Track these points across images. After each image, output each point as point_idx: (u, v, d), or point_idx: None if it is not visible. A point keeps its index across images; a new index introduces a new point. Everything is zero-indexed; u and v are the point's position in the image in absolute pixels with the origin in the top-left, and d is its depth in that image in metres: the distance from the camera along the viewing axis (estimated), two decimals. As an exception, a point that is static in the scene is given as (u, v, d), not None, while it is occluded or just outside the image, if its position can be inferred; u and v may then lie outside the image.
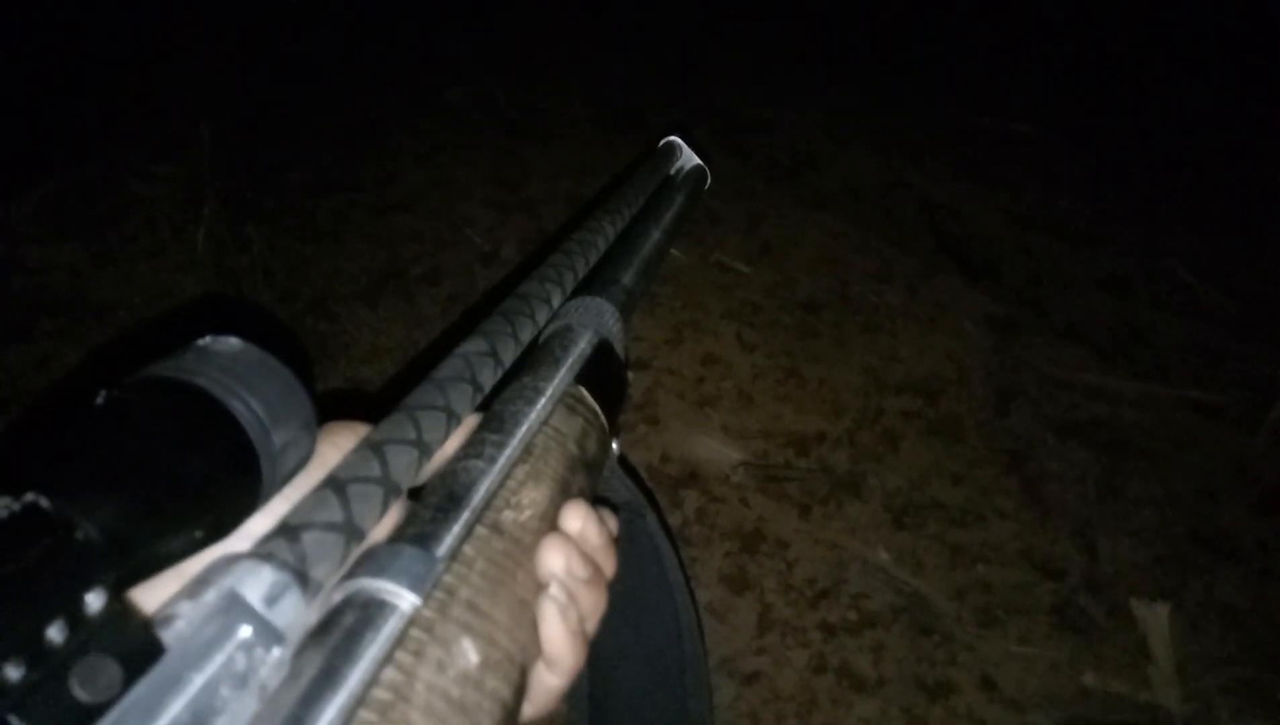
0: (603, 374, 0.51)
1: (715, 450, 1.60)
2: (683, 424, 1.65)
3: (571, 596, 0.36)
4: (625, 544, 0.62)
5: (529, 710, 0.37)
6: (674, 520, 1.49)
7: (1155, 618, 1.27)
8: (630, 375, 0.58)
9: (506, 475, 0.39)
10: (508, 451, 0.40)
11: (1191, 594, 1.36)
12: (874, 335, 1.89)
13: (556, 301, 0.52)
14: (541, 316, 0.50)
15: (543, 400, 0.44)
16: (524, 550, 0.36)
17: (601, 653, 0.61)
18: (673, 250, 2.11)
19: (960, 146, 2.61)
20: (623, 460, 0.61)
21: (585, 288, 0.58)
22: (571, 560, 0.36)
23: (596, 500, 0.56)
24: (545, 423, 0.43)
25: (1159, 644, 1.25)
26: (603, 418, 0.49)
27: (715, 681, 1.27)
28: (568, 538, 0.38)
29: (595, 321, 0.54)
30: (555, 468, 0.41)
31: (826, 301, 1.99)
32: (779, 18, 3.49)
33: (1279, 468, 1.56)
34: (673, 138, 0.89)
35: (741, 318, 1.93)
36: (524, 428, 0.42)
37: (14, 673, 0.21)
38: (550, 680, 0.37)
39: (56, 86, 2.33)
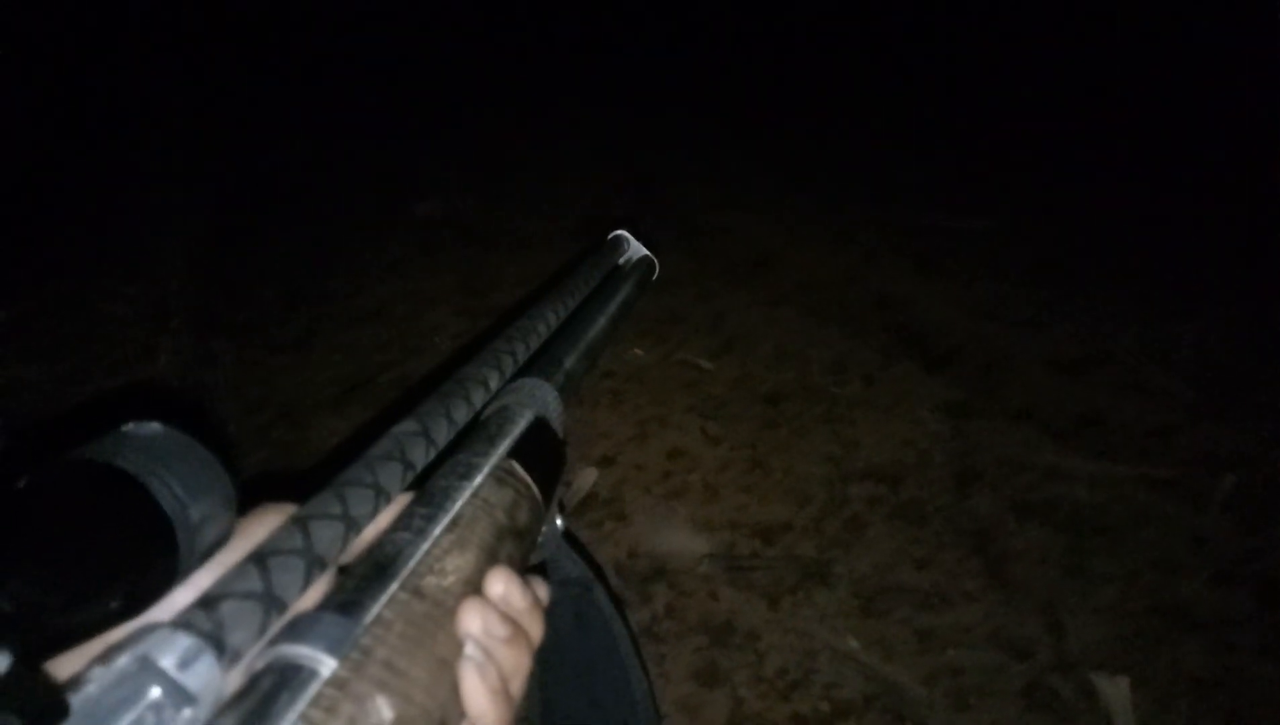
0: (538, 449, 0.53)
1: (683, 544, 1.61)
2: (650, 519, 1.66)
3: (490, 655, 0.38)
4: (575, 618, 0.63)
5: None
6: (643, 616, 1.49)
7: (1117, 691, 1.27)
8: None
9: (433, 544, 0.41)
10: (437, 524, 0.42)
11: (1158, 669, 1.36)
12: (835, 425, 1.93)
13: (494, 384, 0.55)
14: (478, 398, 0.52)
15: (476, 475, 0.46)
16: (446, 613, 0.38)
17: (555, 721, 0.62)
18: (637, 350, 2.18)
19: (911, 243, 2.71)
20: (570, 537, 0.63)
21: (527, 370, 0.62)
22: (490, 621, 0.38)
23: (542, 572, 0.58)
24: (475, 494, 0.45)
25: (1122, 718, 1.25)
26: (535, 489, 0.51)
27: (688, 780, 1.24)
28: (488, 601, 0.40)
29: (533, 401, 0.57)
30: (482, 536, 0.43)
31: (788, 394, 2.04)
32: (735, 126, 3.67)
33: (1233, 540, 1.59)
34: (620, 231, 0.94)
35: (706, 412, 1.97)
36: (454, 502, 0.44)
37: (-86, 732, 0.22)
38: None
39: (25, 208, 2.39)
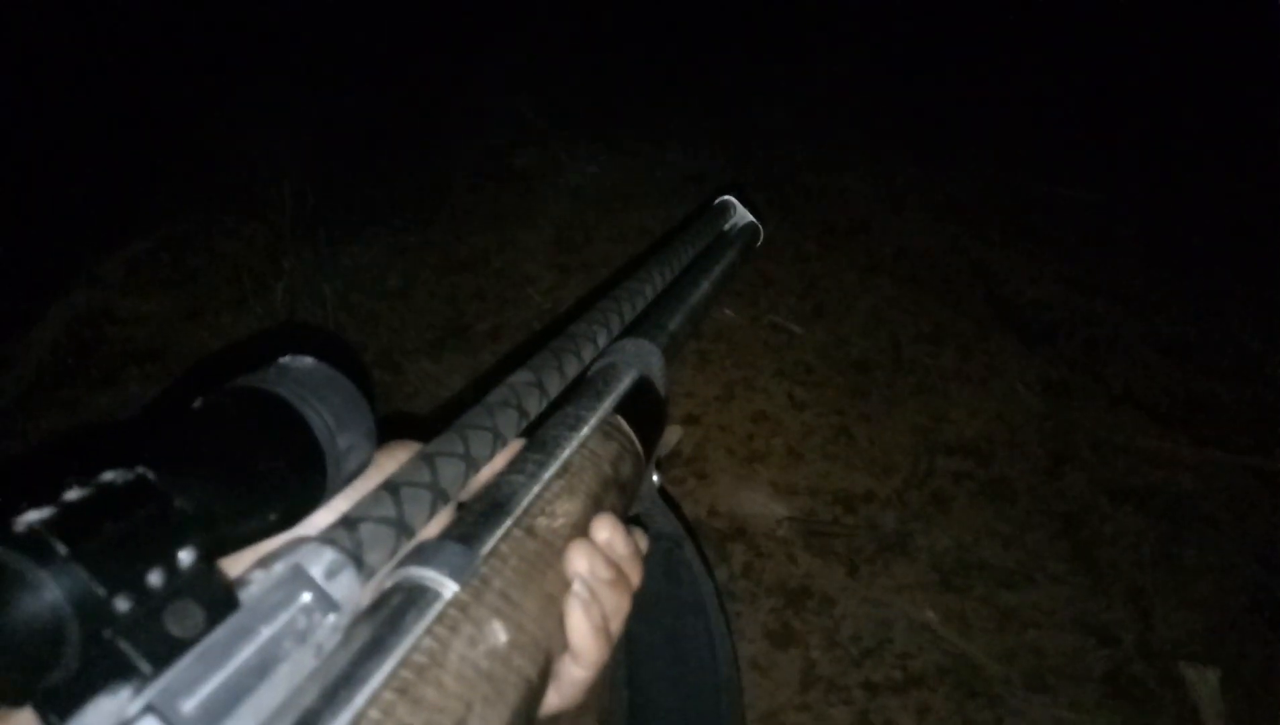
0: (641, 407, 0.55)
1: (763, 505, 1.62)
2: (731, 479, 1.68)
3: (594, 594, 0.40)
4: (663, 570, 0.66)
5: (556, 699, 0.41)
6: (720, 574, 1.51)
7: (1206, 683, 1.24)
8: (670, 411, 0.62)
9: (544, 488, 0.43)
10: (548, 469, 0.45)
11: (1250, 665, 1.32)
12: (926, 396, 1.90)
13: (602, 341, 0.57)
14: (587, 354, 0.55)
15: (584, 427, 0.49)
16: (555, 553, 0.41)
17: (640, 671, 0.65)
18: (726, 310, 2.18)
19: (1016, 212, 2.62)
20: (664, 493, 0.65)
21: (633, 330, 0.64)
22: (595, 563, 0.41)
23: (638, 525, 0.60)
24: (583, 445, 0.48)
25: (1210, 711, 1.21)
26: (638, 445, 0.53)
27: (756, 735, 1.27)
28: (595, 544, 0.42)
29: (638, 360, 0.59)
30: (589, 484, 0.46)
31: (878, 362, 2.01)
32: (836, 86, 3.58)
33: (1347, 539, 1.51)
34: (727, 197, 0.94)
35: (793, 377, 1.96)
36: (564, 449, 0.46)
37: (122, 604, 0.26)
38: (575, 671, 0.41)
39: (149, 147, 2.52)
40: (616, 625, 0.43)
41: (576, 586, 0.40)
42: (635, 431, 0.54)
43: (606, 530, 0.44)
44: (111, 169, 2.37)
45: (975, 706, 1.29)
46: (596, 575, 0.41)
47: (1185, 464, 1.68)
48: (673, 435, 1.78)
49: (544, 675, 0.38)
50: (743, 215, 0.95)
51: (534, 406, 0.47)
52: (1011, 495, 1.66)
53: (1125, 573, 1.48)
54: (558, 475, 0.45)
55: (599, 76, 3.48)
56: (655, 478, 0.63)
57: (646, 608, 0.65)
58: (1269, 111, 3.20)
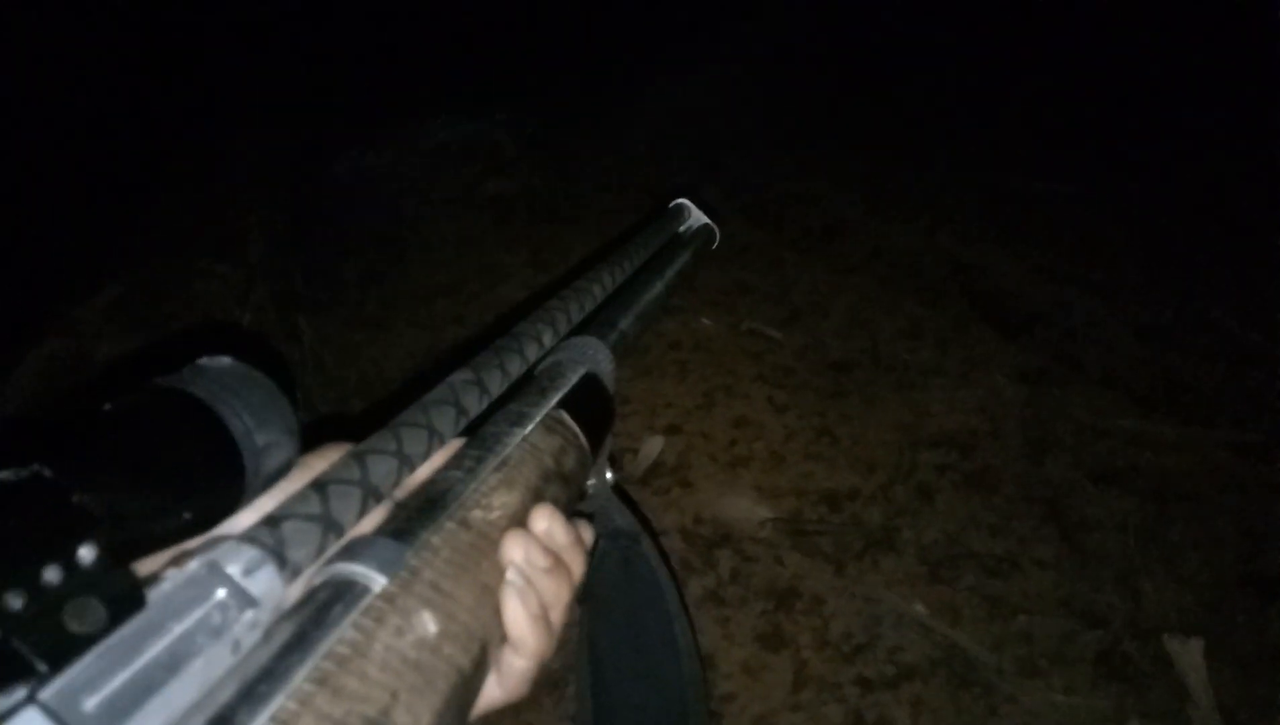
0: (588, 403, 0.55)
1: (747, 510, 1.62)
2: (715, 485, 1.68)
3: (531, 583, 0.40)
4: (623, 568, 0.65)
5: (499, 691, 0.41)
6: (708, 582, 1.50)
7: (1190, 653, 1.23)
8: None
9: (482, 483, 0.43)
10: (486, 465, 0.45)
11: (1241, 638, 1.31)
12: (906, 392, 1.90)
13: (548, 340, 0.57)
14: (531, 353, 0.55)
15: (526, 423, 0.49)
16: (490, 544, 0.41)
17: (603, 670, 0.64)
18: (704, 320, 2.19)
19: (991, 208, 2.63)
20: (621, 491, 0.65)
21: (582, 329, 0.64)
22: (531, 551, 0.41)
23: (588, 522, 0.60)
24: (524, 440, 0.48)
25: (1196, 680, 1.21)
26: (583, 439, 0.53)
27: (750, 739, 1.26)
28: (532, 534, 0.42)
29: (585, 358, 0.59)
30: (528, 477, 0.46)
31: (857, 362, 2.01)
32: (807, 92, 3.61)
33: (1330, 507, 1.51)
34: (681, 200, 0.95)
35: (773, 381, 1.96)
36: (504, 445, 0.46)
37: (15, 602, 0.26)
38: (516, 662, 0.40)
39: (122, 190, 2.53)
40: (558, 615, 0.43)
41: (510, 574, 0.40)
42: (581, 427, 0.54)
43: (545, 520, 0.44)
44: (84, 213, 2.37)
45: (969, 696, 1.29)
46: (533, 563, 0.41)
47: (1167, 444, 1.68)
48: (654, 446, 1.77)
49: (479, 665, 0.38)
50: (698, 217, 0.96)
51: (473, 404, 0.47)
52: (996, 484, 1.66)
53: (1112, 554, 1.48)
54: (496, 470, 0.45)
55: (570, 100, 3.51)
56: (609, 475, 0.63)
57: (605, 607, 0.64)
58: (1237, 100, 3.23)
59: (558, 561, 0.43)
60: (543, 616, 0.41)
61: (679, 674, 0.63)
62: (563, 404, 0.54)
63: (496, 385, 0.50)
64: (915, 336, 2.08)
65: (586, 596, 0.65)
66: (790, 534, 1.57)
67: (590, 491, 0.62)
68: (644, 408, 1.88)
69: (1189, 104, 3.21)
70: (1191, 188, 2.63)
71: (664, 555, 0.63)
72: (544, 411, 0.51)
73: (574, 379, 0.56)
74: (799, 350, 2.07)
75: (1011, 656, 1.34)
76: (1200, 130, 3.00)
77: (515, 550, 0.41)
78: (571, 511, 0.51)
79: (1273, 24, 3.18)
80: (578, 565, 0.46)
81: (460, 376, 0.48)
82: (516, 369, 0.53)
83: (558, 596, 0.43)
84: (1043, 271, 2.30)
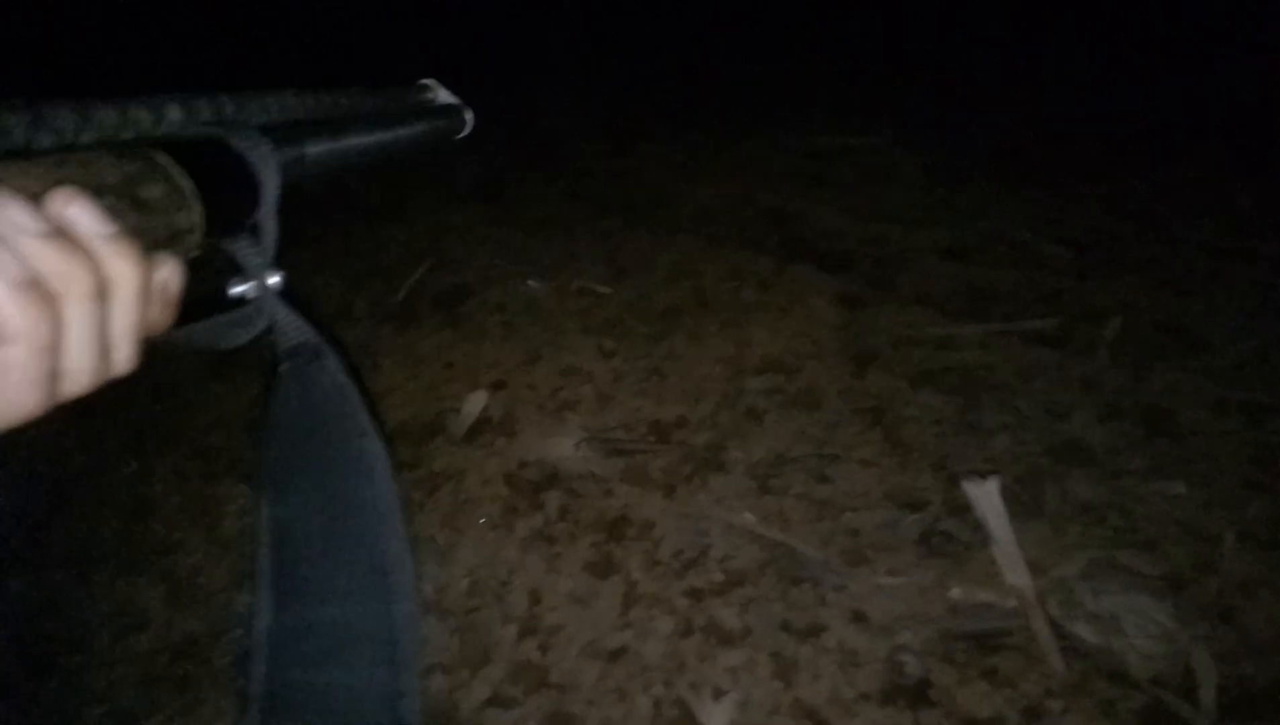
0: (204, 160, 0.48)
1: (572, 448, 1.57)
2: (540, 432, 1.62)
3: (6, 245, 0.31)
4: (303, 389, 0.57)
5: None
6: (535, 522, 1.44)
7: (988, 495, 1.26)
8: (260, 197, 0.54)
9: None
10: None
11: (1050, 500, 1.35)
12: (731, 329, 1.90)
13: (174, 115, 0.50)
14: (170, 116, 0.48)
15: (86, 135, 0.42)
16: None
17: (284, 494, 0.56)
18: (531, 282, 2.13)
19: (803, 162, 2.71)
20: (294, 300, 0.56)
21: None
22: (15, 211, 0.32)
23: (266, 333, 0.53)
24: (75, 151, 0.40)
25: (996, 521, 1.23)
26: (180, 181, 0.46)
27: (578, 665, 1.20)
28: (29, 204, 0.33)
29: (233, 135, 0.52)
30: (62, 176, 0.38)
31: (684, 307, 2.00)
32: (620, 70, 3.65)
33: (1120, 377, 1.59)
34: (428, 80, 0.89)
35: (601, 331, 1.93)
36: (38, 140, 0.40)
37: None
38: (4, 352, 0.32)
39: None
40: (72, 306, 0.33)
41: None
42: (189, 176, 0.46)
43: (64, 200, 0.34)
44: None
45: (798, 591, 1.27)
46: (18, 225, 0.32)
47: (973, 343, 1.74)
48: (477, 402, 1.70)
49: None
50: (445, 96, 0.91)
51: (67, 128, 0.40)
52: (820, 401, 1.66)
53: (930, 445, 1.51)
54: (11, 161, 0.36)
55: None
56: (274, 279, 0.55)
57: (283, 434, 0.56)
58: (1013, 47, 3.47)
59: (66, 237, 0.34)
60: (28, 285, 0.32)
61: (372, 492, 0.56)
62: (168, 149, 0.46)
63: (106, 122, 0.43)
64: (738, 279, 2.09)
65: (264, 427, 0.57)
66: (619, 466, 1.52)
67: (252, 296, 0.54)
68: (465, 371, 1.81)
69: (977, 49, 3.43)
70: (981, 125, 2.79)
71: (354, 371, 0.56)
72: (116, 139, 0.44)
73: (190, 136, 0.49)
74: (627, 302, 2.04)
75: (839, 549, 1.33)
76: (983, 79, 3.20)
77: None
78: (151, 249, 0.43)
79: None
80: (118, 262, 0.36)
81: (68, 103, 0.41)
82: (138, 123, 0.46)
83: (68, 278, 0.33)
84: (855, 213, 2.37)
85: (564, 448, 1.57)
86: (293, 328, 0.56)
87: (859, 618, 1.21)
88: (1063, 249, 2.02)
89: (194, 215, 0.47)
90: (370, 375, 1.81)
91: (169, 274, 0.41)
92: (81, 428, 1.69)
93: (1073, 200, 2.25)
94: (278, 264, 0.55)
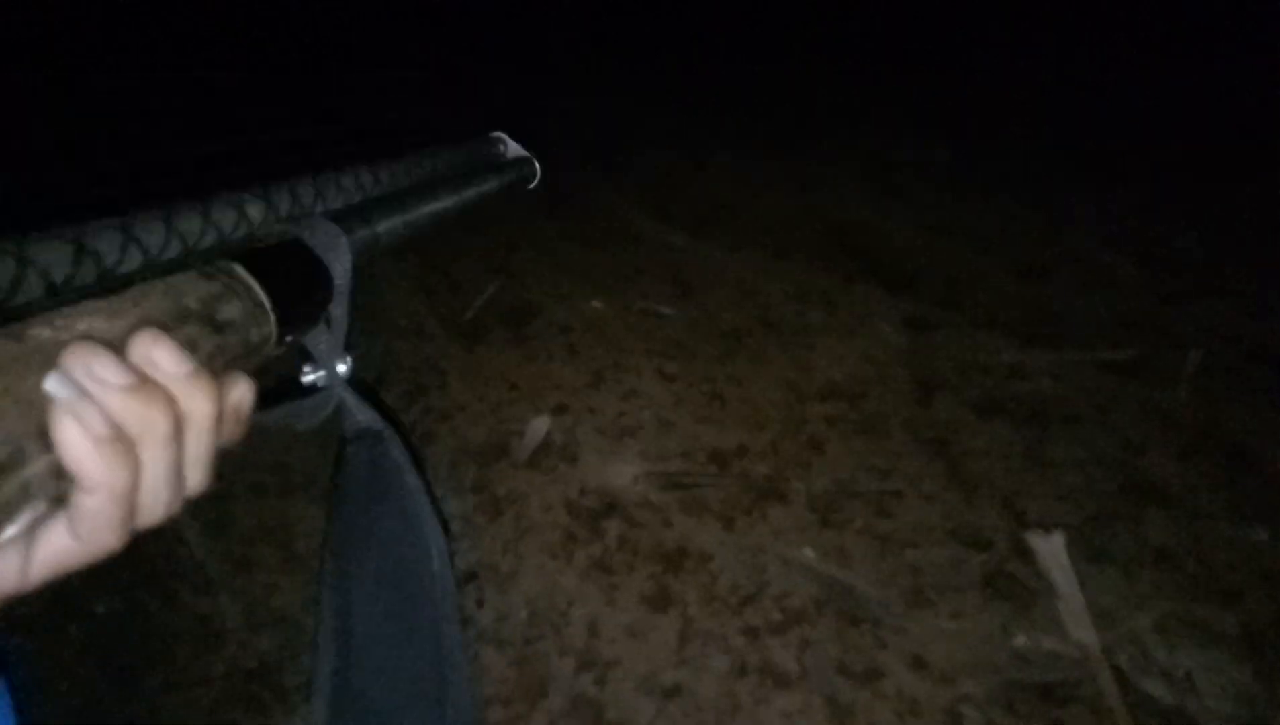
0: (281, 263, 0.50)
1: (633, 477, 1.57)
2: (600, 457, 1.63)
3: (88, 397, 0.33)
4: (370, 470, 0.60)
5: (69, 539, 0.34)
6: (594, 551, 1.45)
7: (1051, 548, 1.22)
8: (333, 290, 0.56)
9: (74, 306, 0.37)
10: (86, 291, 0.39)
11: (1121, 544, 1.30)
12: (794, 351, 1.88)
13: (254, 213, 0.52)
14: (226, 219, 0.50)
15: (162, 257, 0.44)
16: (46, 358, 0.34)
17: (347, 578, 0.59)
18: (595, 302, 2.15)
19: (872, 178, 2.66)
20: (369, 392, 0.59)
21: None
22: (97, 364, 0.33)
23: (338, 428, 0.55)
24: (160, 278, 0.42)
25: (1060, 575, 1.19)
26: (260, 294, 0.48)
27: (634, 702, 1.21)
28: (106, 348, 0.35)
29: (297, 227, 0.54)
30: (148, 311, 0.39)
31: (747, 328, 1.99)
32: (691, 92, 3.63)
33: (1202, 413, 1.52)
34: (498, 132, 0.91)
35: (663, 354, 1.93)
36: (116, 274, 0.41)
37: None
38: (84, 500, 0.33)
39: None
40: (155, 451, 0.35)
41: (49, 384, 0.32)
42: (266, 288, 0.48)
43: (147, 343, 0.35)
44: None
45: (856, 633, 1.25)
46: (98, 377, 0.33)
47: (1045, 372, 1.68)
48: (540, 426, 1.72)
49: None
50: (514, 149, 0.92)
51: (153, 242, 0.43)
52: (884, 430, 1.64)
53: (997, 481, 1.47)
54: (99, 297, 0.38)
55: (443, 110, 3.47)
56: (343, 367, 0.57)
57: (352, 511, 0.59)
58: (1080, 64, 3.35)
59: (149, 384, 0.35)
60: (113, 441, 0.33)
61: (430, 569, 0.58)
62: (243, 260, 0.48)
63: (159, 241, 0.45)
64: (803, 299, 2.07)
65: (333, 504, 0.59)
66: (678, 496, 1.53)
67: (320, 383, 0.56)
68: (530, 392, 1.83)
69: (1039, 64, 3.32)
70: (1056, 137, 2.70)
71: (415, 455, 0.58)
72: (198, 256, 0.45)
73: (268, 242, 0.51)
74: (689, 323, 2.04)
75: (899, 590, 1.31)
76: (1055, 87, 3.10)
77: (70, 358, 0.33)
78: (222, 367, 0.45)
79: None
80: (197, 401, 0.37)
81: (148, 215, 0.43)
82: (195, 229, 0.48)
83: (147, 423, 0.34)
84: (922, 228, 2.32)
85: (624, 476, 1.58)
86: (359, 412, 0.58)
87: (919, 664, 1.20)
88: (1146, 271, 1.94)
89: (269, 326, 0.49)
90: (438, 394, 1.85)
91: (243, 393, 0.42)
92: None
93: (1161, 219, 2.16)
94: (346, 350, 0.57)
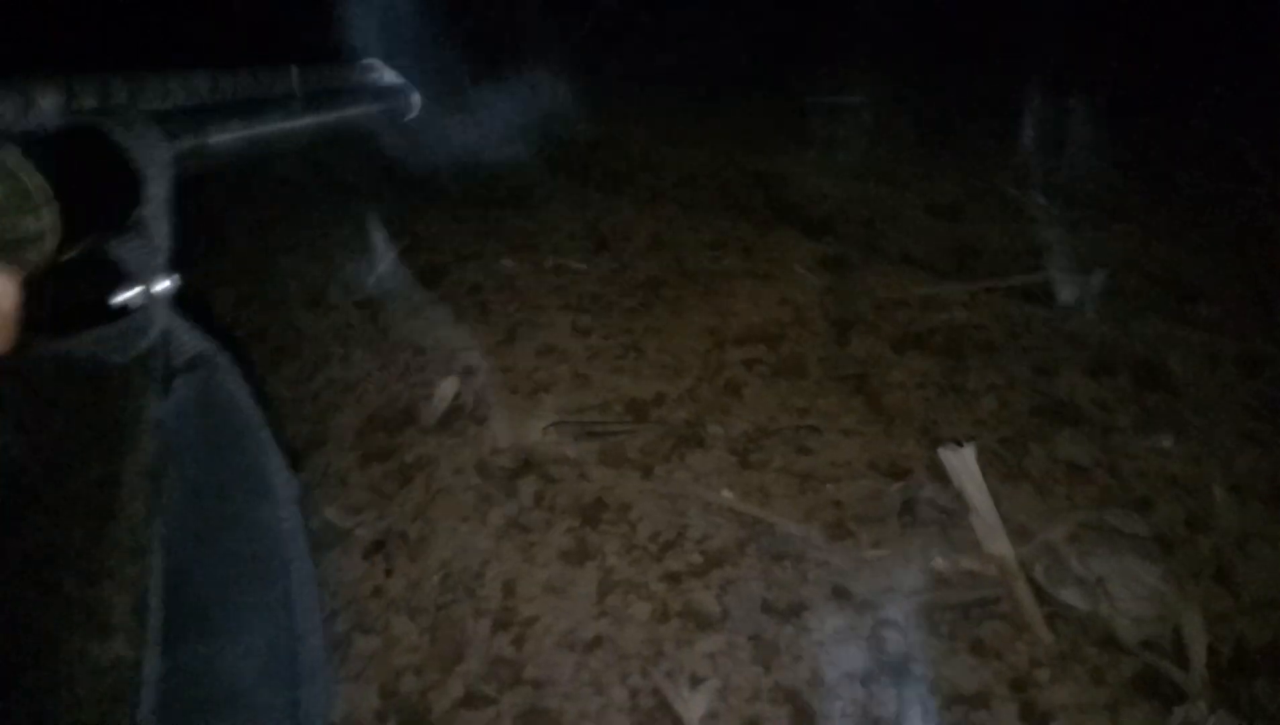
0: (68, 154, 0.44)
1: (548, 433, 1.53)
2: (514, 415, 1.57)
3: None
4: (201, 401, 0.53)
5: None
6: (509, 511, 1.40)
7: (963, 461, 1.22)
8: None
9: None
10: None
11: (1035, 461, 1.31)
12: (712, 298, 1.85)
13: (47, 102, 0.46)
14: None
15: None
16: None
17: (178, 522, 0.53)
18: (505, 261, 2.08)
19: (787, 124, 2.64)
20: (192, 306, 0.53)
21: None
22: None
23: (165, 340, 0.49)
24: None
25: (974, 489, 1.19)
26: (36, 179, 0.41)
27: (554, 658, 1.17)
28: None
29: (114, 126, 0.47)
30: None
31: (664, 279, 1.95)
32: (594, 33, 3.56)
33: (1108, 332, 1.54)
34: (372, 59, 0.85)
35: (579, 308, 1.88)
36: None
37: None
38: None
39: None
40: None
41: None
42: (51, 177, 0.42)
43: None
44: None
45: (779, 568, 1.23)
46: None
47: (959, 303, 1.68)
48: (449, 388, 1.66)
49: None
50: (389, 77, 0.86)
51: None
52: (803, 370, 1.62)
53: (915, 411, 1.46)
54: None
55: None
56: (165, 284, 0.51)
57: (176, 457, 0.53)
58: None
59: None
60: None
61: (276, 521, 0.52)
62: (22, 146, 0.42)
63: None
64: (720, 247, 2.04)
65: (157, 445, 0.53)
66: (595, 448, 1.48)
67: (133, 303, 0.50)
68: (438, 355, 1.76)
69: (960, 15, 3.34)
70: (968, 83, 2.71)
71: (252, 379, 0.52)
72: None
73: (55, 129, 0.44)
74: (605, 276, 1.99)
75: (821, 524, 1.29)
76: (983, 32, 3.11)
77: None
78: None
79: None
80: None
81: None
82: None
83: None
84: (840, 172, 2.31)
85: (538, 433, 1.53)
86: (188, 338, 0.52)
87: (841, 594, 1.18)
88: (1051, 203, 1.96)
89: (43, 219, 0.43)
90: (341, 365, 1.77)
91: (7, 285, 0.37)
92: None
93: (1064, 152, 2.18)
94: (173, 267, 0.51)
